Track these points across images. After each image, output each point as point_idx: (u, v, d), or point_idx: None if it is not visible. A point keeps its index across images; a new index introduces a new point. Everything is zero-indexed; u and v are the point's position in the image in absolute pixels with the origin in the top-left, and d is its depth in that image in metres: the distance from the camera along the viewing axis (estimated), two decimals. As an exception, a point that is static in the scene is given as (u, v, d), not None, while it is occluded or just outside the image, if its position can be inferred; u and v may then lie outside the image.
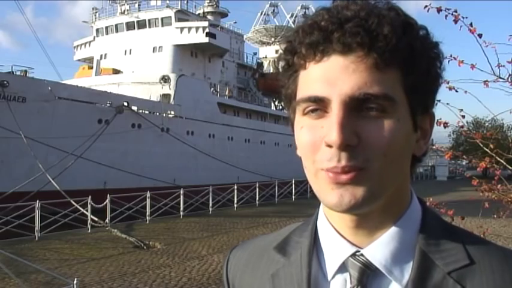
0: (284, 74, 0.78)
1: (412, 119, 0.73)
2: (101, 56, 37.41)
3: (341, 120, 0.68)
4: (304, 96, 0.72)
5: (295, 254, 0.82)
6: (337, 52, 0.70)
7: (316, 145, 0.71)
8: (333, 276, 0.77)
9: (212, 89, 35.85)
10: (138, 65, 34.52)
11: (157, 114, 28.80)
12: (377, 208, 0.73)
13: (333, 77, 0.70)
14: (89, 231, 14.77)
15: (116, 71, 34.07)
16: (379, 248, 0.75)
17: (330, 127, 0.69)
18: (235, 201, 21.45)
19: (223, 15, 44.27)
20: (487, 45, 3.31)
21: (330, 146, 0.69)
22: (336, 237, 0.78)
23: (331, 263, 0.78)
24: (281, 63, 0.78)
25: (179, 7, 36.74)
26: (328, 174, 0.70)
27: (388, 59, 0.69)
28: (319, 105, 0.71)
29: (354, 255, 0.76)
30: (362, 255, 0.75)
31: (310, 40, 0.71)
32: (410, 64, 0.71)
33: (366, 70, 0.69)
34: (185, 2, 37.75)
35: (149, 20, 36.38)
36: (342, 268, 0.76)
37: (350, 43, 0.69)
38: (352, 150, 0.68)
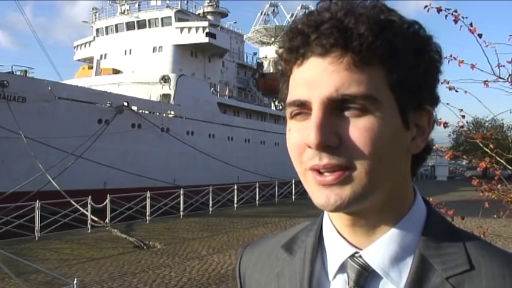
0: (280, 79, 0.79)
1: (402, 116, 0.72)
2: (101, 56, 37.42)
3: (319, 121, 0.68)
4: (290, 100, 0.74)
5: (300, 252, 0.83)
6: (316, 54, 0.70)
7: (301, 146, 0.72)
8: (334, 276, 0.78)
9: (212, 89, 35.86)
10: (138, 65, 34.54)
11: (157, 114, 28.81)
12: (373, 207, 0.73)
13: (313, 79, 0.70)
14: (89, 231, 14.77)
15: (116, 71, 34.08)
16: (378, 250, 0.74)
17: (309, 129, 0.69)
18: (235, 201, 21.44)
19: (223, 15, 44.28)
20: (487, 45, 3.31)
21: (310, 147, 0.70)
22: (336, 238, 0.78)
23: (332, 263, 0.78)
24: (276, 70, 0.80)
25: (179, 7, 36.75)
26: (315, 177, 0.70)
27: (365, 58, 0.69)
28: (303, 108, 0.72)
29: (352, 256, 0.76)
30: (360, 256, 0.75)
31: (290, 45, 0.73)
32: (392, 61, 0.70)
33: (344, 70, 0.69)
34: (185, 2, 37.78)
35: (149, 20, 36.39)
36: (342, 269, 0.77)
37: (325, 44, 0.69)
38: (333, 151, 0.69)
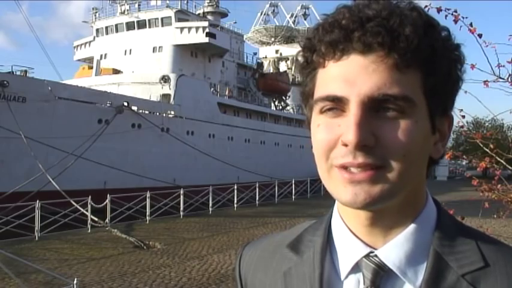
0: (302, 72, 0.78)
1: (431, 121, 0.73)
2: (101, 56, 37.39)
3: (359, 120, 0.68)
4: (322, 95, 0.72)
5: (308, 252, 0.82)
6: (357, 51, 0.70)
7: (332, 143, 0.71)
8: (346, 277, 0.77)
9: (212, 89, 35.82)
10: (138, 65, 34.51)
11: (157, 114, 28.80)
12: (393, 207, 0.73)
13: (352, 76, 0.70)
14: (89, 231, 14.77)
15: (116, 71, 34.04)
16: (393, 249, 0.74)
17: (347, 127, 0.69)
18: (235, 201, 21.45)
19: (223, 15, 44.24)
20: (487, 45, 3.32)
21: (346, 145, 0.69)
22: (349, 237, 0.78)
23: (345, 263, 0.77)
24: (299, 61, 0.78)
25: (179, 7, 36.72)
26: (343, 174, 0.70)
27: (409, 60, 0.69)
28: (337, 104, 0.71)
29: (367, 255, 0.75)
30: (376, 256, 0.75)
31: (330, 38, 0.71)
32: (431, 65, 0.71)
33: (386, 70, 0.69)
34: (185, 2, 37.75)
35: (149, 20, 36.36)
36: (355, 268, 0.76)
37: (371, 43, 0.68)
38: (368, 151, 0.69)
